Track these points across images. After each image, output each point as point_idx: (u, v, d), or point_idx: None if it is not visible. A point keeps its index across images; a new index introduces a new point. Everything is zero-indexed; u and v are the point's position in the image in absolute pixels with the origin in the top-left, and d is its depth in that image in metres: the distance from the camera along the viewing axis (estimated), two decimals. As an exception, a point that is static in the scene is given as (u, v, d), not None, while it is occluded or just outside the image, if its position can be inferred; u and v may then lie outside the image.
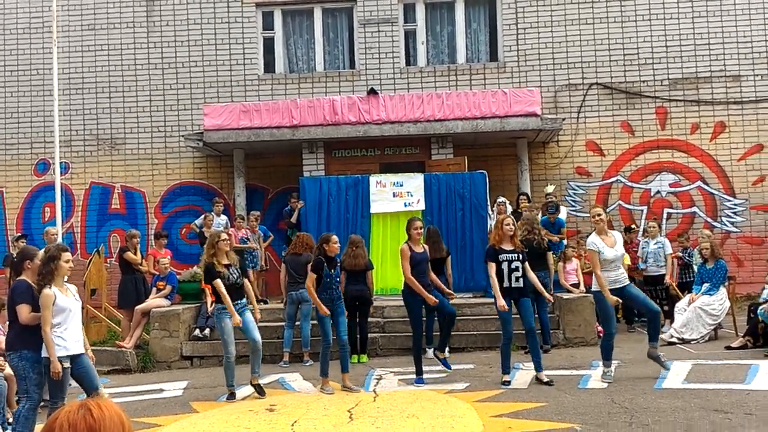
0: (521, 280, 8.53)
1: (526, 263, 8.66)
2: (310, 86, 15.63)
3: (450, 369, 8.91)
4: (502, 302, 8.40)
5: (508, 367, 8.59)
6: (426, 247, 9.04)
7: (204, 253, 9.03)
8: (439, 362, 8.96)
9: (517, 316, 8.72)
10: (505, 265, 8.51)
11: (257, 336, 8.58)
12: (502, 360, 8.60)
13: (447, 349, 9.28)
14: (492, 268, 8.55)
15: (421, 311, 8.79)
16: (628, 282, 8.58)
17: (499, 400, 7.77)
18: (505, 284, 8.50)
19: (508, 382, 8.44)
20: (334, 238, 8.90)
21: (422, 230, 9.00)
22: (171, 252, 13.14)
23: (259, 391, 8.52)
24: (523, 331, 10.79)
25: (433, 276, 9.07)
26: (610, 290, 8.33)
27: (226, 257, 8.64)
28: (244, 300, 8.70)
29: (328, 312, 8.61)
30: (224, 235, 8.90)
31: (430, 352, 10.21)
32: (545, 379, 8.38)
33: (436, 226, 11.25)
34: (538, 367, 8.51)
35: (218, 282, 8.37)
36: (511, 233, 8.63)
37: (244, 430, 7.12)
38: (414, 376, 8.87)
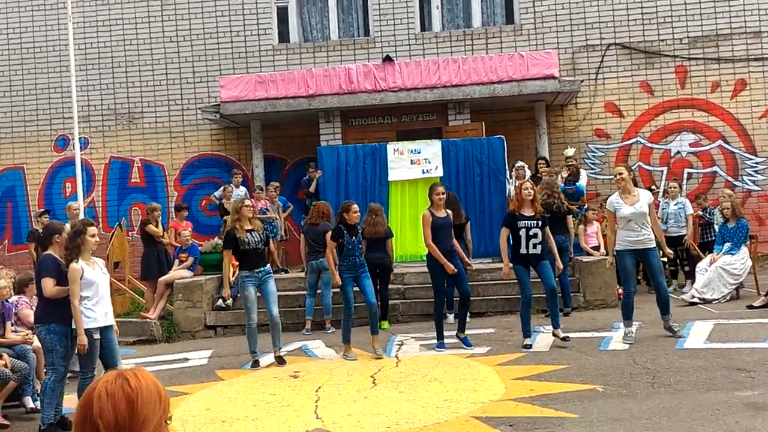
0: (539, 246, 8.45)
1: (547, 228, 8.58)
2: (325, 55, 15.56)
3: (470, 346, 8.68)
4: (506, 269, 8.56)
5: (528, 331, 8.59)
6: (449, 212, 8.97)
7: (228, 219, 9.26)
8: (460, 341, 8.82)
9: (538, 279, 8.73)
10: (522, 232, 8.44)
11: (274, 309, 8.60)
12: (522, 324, 8.62)
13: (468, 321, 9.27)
14: (503, 233, 8.58)
15: (443, 277, 8.75)
16: (652, 247, 8.32)
17: (521, 363, 7.82)
18: (522, 251, 8.46)
19: (530, 346, 8.44)
20: (354, 206, 8.89)
21: (444, 195, 8.92)
22: (191, 224, 13.25)
23: (279, 361, 8.58)
24: (543, 295, 10.87)
25: (455, 243, 9.02)
26: (630, 251, 8.24)
27: (250, 223, 8.69)
28: (267, 267, 8.74)
29: (340, 282, 8.72)
30: (248, 201, 8.97)
31: (450, 317, 10.28)
32: (561, 335, 8.43)
33: (454, 192, 11.22)
34: (556, 325, 8.56)
35: (226, 253, 8.76)
36: (531, 198, 8.53)
37: (269, 396, 7.23)
38: (435, 341, 8.92)
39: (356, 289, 8.89)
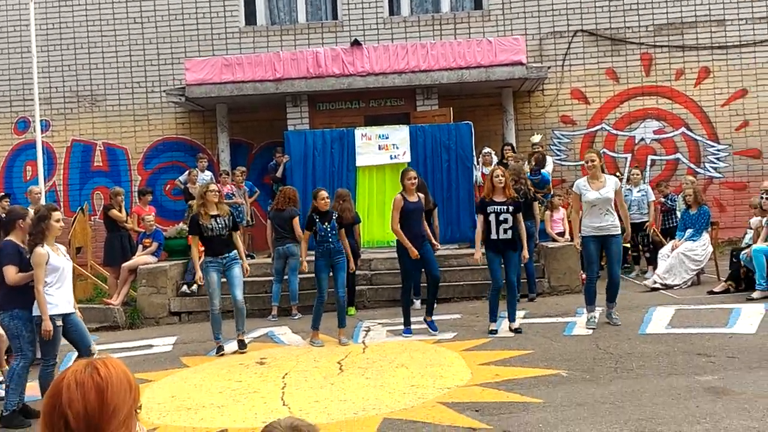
0: (509, 231, 8.46)
1: (519, 215, 8.59)
2: (292, 38, 15.41)
3: (436, 331, 8.75)
4: (477, 255, 8.62)
5: (495, 316, 8.66)
6: (421, 196, 8.99)
7: (193, 204, 9.22)
8: (427, 325, 8.89)
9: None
10: (492, 217, 8.46)
11: (238, 294, 8.54)
12: (489, 309, 8.72)
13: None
14: (480, 219, 8.61)
15: (412, 263, 8.74)
16: (616, 234, 8.35)
17: (487, 349, 7.89)
18: (493, 236, 8.48)
19: (495, 331, 8.52)
20: (323, 193, 8.83)
21: (416, 180, 8.90)
22: (155, 209, 13.10)
23: (240, 345, 8.55)
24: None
25: (426, 227, 9.08)
26: (592, 237, 8.31)
27: (216, 208, 8.59)
28: (233, 253, 8.63)
29: (305, 269, 8.83)
30: (213, 186, 8.87)
31: (417, 303, 10.31)
32: (515, 327, 8.51)
33: (422, 178, 11.21)
34: (512, 318, 8.60)
35: (191, 239, 8.76)
36: (502, 185, 8.53)
37: (235, 383, 7.20)
38: (402, 327, 8.94)
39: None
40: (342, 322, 8.75)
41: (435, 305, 9.24)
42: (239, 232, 12.21)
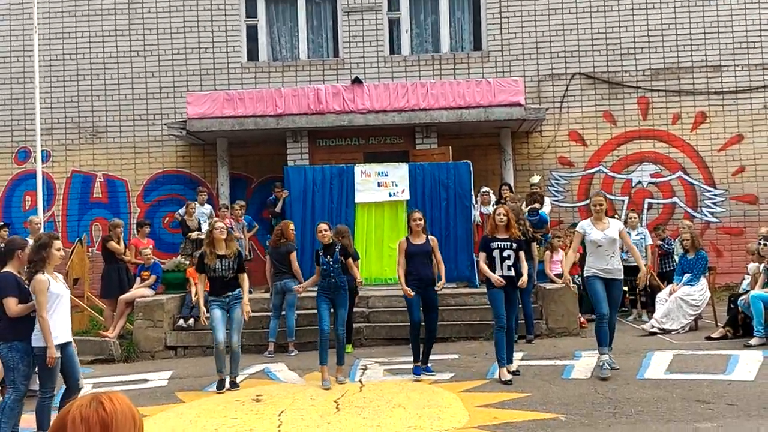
0: (512, 269, 8.39)
1: (522, 253, 8.54)
2: (293, 74, 15.57)
3: (432, 373, 8.64)
4: (496, 277, 8.23)
5: (503, 359, 8.28)
6: (432, 238, 8.87)
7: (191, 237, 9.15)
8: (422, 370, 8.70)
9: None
10: (496, 253, 8.42)
11: (235, 338, 8.46)
12: (497, 350, 8.31)
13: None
14: (481, 257, 8.59)
15: (414, 300, 8.60)
16: (619, 278, 8.36)
17: (484, 391, 7.85)
18: (497, 272, 8.36)
19: (510, 381, 8.07)
20: (321, 226, 8.84)
21: (422, 222, 8.77)
22: (153, 241, 13.09)
23: (233, 385, 8.50)
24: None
25: (435, 269, 8.87)
26: (598, 277, 8.25)
27: (225, 247, 8.53)
28: (237, 291, 8.57)
29: (300, 292, 8.94)
30: (220, 223, 8.78)
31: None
32: (512, 369, 8.40)
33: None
34: (509, 360, 8.43)
35: (198, 276, 8.79)
36: (503, 223, 8.50)
37: (231, 420, 7.14)
38: (405, 365, 8.91)
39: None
40: (340, 359, 8.69)
41: (430, 354, 8.86)
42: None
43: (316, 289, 8.85)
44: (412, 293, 8.51)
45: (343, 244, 8.98)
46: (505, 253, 8.41)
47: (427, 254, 8.71)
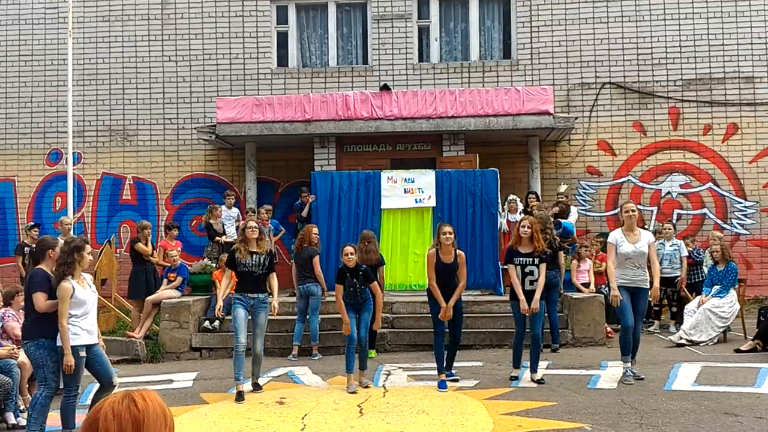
0: (536, 284, 8.40)
1: (543, 266, 8.49)
2: (323, 81, 15.65)
3: (457, 380, 8.62)
4: (524, 306, 8.34)
5: (518, 362, 8.60)
6: (460, 253, 8.50)
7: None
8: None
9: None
10: (519, 269, 8.45)
11: (258, 344, 8.41)
12: (513, 355, 8.68)
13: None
14: (511, 270, 8.54)
15: (438, 310, 8.50)
16: (645, 288, 8.35)
17: (509, 398, 7.80)
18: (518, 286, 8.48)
19: (517, 378, 8.50)
20: (347, 249, 8.71)
21: (452, 236, 8.43)
22: (181, 243, 13.20)
23: (255, 387, 8.48)
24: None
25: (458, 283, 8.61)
26: (624, 287, 8.24)
27: (257, 245, 8.49)
28: (263, 296, 8.48)
29: (348, 325, 8.49)
30: (252, 223, 8.74)
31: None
32: (537, 378, 8.42)
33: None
34: (534, 369, 8.52)
35: (222, 273, 8.63)
36: (527, 235, 8.45)
37: (254, 422, 7.16)
38: (427, 373, 8.89)
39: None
40: (363, 363, 8.64)
41: (454, 361, 8.87)
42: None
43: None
44: (445, 304, 8.40)
45: (366, 270, 8.75)
46: (528, 269, 8.41)
47: (454, 272, 8.53)
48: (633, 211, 8.42)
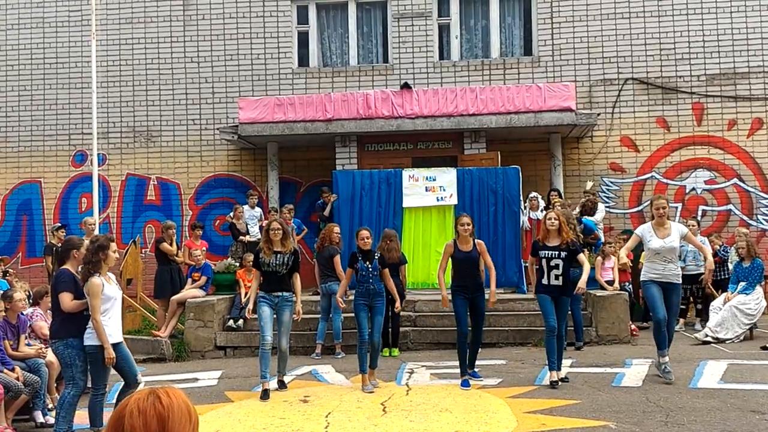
0: (561, 278, 8.21)
1: (580, 255, 8.35)
2: (343, 80, 15.69)
3: (480, 378, 8.52)
4: (492, 298, 8.45)
5: (554, 363, 8.19)
6: (480, 243, 8.47)
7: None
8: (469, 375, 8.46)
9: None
10: (543, 262, 8.27)
11: (284, 342, 8.42)
12: (548, 354, 8.27)
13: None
14: (530, 261, 8.55)
15: (461, 308, 8.38)
16: (677, 282, 8.19)
17: (533, 397, 7.78)
18: (544, 281, 8.28)
19: (556, 383, 8.06)
20: (363, 232, 8.68)
21: (469, 227, 8.37)
22: (207, 243, 13.30)
23: (281, 385, 8.53)
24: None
25: (483, 276, 8.54)
26: (655, 282, 8.09)
27: (281, 245, 8.45)
28: (288, 294, 8.46)
29: (342, 305, 8.78)
30: (276, 224, 8.62)
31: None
32: (561, 376, 8.23)
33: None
34: (558, 367, 8.28)
35: (249, 272, 8.59)
36: (554, 227, 8.30)
37: (278, 420, 7.21)
38: (449, 370, 8.88)
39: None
40: (373, 362, 8.52)
41: (476, 360, 8.72)
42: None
43: (353, 293, 8.77)
44: (449, 302, 8.38)
45: (382, 254, 8.86)
46: (553, 263, 8.21)
47: (474, 262, 8.39)
48: (663, 208, 8.21)
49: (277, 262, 8.38)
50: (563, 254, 8.23)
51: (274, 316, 8.46)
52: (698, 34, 15.07)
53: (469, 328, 8.56)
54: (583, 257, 8.41)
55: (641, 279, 8.40)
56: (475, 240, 8.46)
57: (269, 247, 8.42)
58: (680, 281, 8.24)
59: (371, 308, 8.52)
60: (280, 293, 8.41)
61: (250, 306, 8.49)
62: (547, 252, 8.28)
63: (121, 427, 1.86)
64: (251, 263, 8.89)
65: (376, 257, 8.59)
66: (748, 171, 14.85)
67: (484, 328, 8.87)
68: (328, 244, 11.02)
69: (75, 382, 6.57)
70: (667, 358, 8.13)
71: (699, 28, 15.07)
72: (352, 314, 9.47)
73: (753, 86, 14.91)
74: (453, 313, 8.73)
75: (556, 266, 8.20)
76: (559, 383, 8.06)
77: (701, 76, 15.04)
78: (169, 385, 6.77)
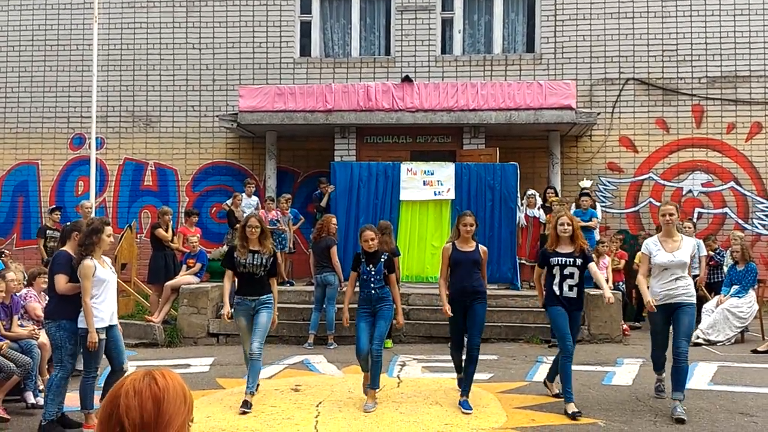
0: (575, 289, 7.14)
1: (592, 265, 7.31)
2: (345, 71, 15.67)
3: (470, 410, 7.02)
4: (542, 301, 7.34)
5: (570, 393, 6.96)
6: (482, 248, 7.39)
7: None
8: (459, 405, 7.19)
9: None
10: (556, 270, 7.15)
11: (255, 344, 7.26)
12: (562, 380, 7.05)
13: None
14: (537, 273, 7.63)
15: (458, 319, 7.32)
16: (688, 303, 6.97)
17: (523, 392, 7.81)
18: (556, 291, 7.19)
19: (578, 413, 6.77)
20: (367, 233, 7.50)
21: (472, 228, 7.30)
22: (201, 230, 13.30)
23: (244, 405, 7.12)
24: (548, 325, 10.83)
25: (483, 280, 7.40)
26: (661, 305, 6.99)
27: (259, 244, 7.53)
28: (266, 296, 7.49)
29: (347, 323, 7.62)
30: (254, 221, 7.63)
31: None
32: (570, 411, 6.82)
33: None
34: (552, 378, 7.53)
35: (227, 272, 7.64)
36: (567, 234, 7.21)
37: (269, 408, 7.23)
38: (443, 373, 8.87)
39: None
40: (374, 382, 7.35)
41: (471, 386, 7.31)
42: (281, 258, 12.22)
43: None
44: (451, 313, 7.25)
45: (389, 256, 7.74)
46: (567, 270, 7.10)
47: (475, 263, 7.26)
48: (671, 214, 7.08)
49: (255, 262, 7.47)
50: (578, 261, 7.16)
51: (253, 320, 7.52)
52: (701, 36, 15.07)
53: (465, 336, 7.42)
54: (594, 266, 7.41)
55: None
56: (480, 247, 7.39)
57: (244, 245, 7.51)
58: (693, 300, 7.08)
59: (374, 314, 7.43)
60: (256, 297, 7.46)
61: (226, 310, 7.61)
62: (560, 259, 7.18)
63: (117, 407, 1.87)
64: (223, 262, 7.83)
65: (383, 260, 7.48)
66: (745, 175, 14.88)
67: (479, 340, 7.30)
68: (325, 235, 11.02)
69: (63, 364, 6.57)
70: (663, 376, 7.40)
71: (702, 30, 15.07)
72: (351, 304, 8.90)
73: (753, 90, 14.93)
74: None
75: (571, 275, 7.12)
76: (581, 412, 6.84)
77: (702, 79, 15.05)
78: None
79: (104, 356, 6.77)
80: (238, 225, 13.09)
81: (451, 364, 7.97)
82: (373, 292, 7.40)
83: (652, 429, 6.38)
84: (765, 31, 14.94)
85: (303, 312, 11.34)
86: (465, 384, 7.25)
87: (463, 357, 7.40)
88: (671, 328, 7.13)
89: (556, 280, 7.15)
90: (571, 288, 7.13)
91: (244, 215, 13.44)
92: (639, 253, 8.03)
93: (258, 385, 7.50)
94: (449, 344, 7.78)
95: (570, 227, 7.21)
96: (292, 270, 14.05)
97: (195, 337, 11.29)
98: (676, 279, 6.99)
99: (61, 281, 6.57)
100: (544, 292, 7.44)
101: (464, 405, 7.10)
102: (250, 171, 15.68)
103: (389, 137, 14.47)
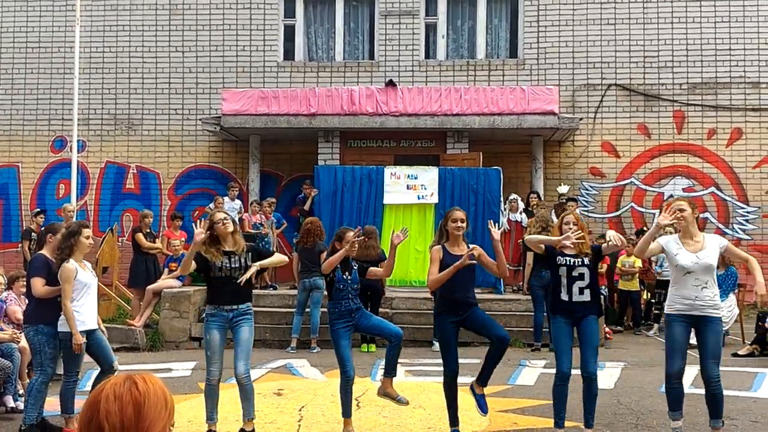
0: (587, 292, 6.18)
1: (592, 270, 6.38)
2: (328, 75, 15.67)
3: (485, 413, 6.48)
4: (465, 257, 6.01)
5: (562, 419, 6.25)
6: (476, 248, 6.13)
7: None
8: (473, 397, 6.49)
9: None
10: (563, 271, 6.20)
11: (241, 367, 6.24)
12: (554, 405, 6.34)
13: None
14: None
15: (450, 335, 6.32)
16: (715, 316, 5.96)
17: (506, 396, 7.83)
18: (563, 296, 6.21)
19: None
20: (349, 234, 6.56)
21: (464, 225, 6.35)
22: (186, 234, 13.23)
23: None
24: (531, 328, 10.81)
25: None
26: (681, 315, 5.99)
27: (232, 242, 6.46)
28: (246, 306, 6.40)
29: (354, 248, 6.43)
30: (220, 215, 6.56)
31: (436, 344, 10.20)
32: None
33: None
34: (588, 424, 6.33)
35: (185, 263, 6.55)
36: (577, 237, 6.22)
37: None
38: (423, 368, 8.86)
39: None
40: (390, 368, 6.59)
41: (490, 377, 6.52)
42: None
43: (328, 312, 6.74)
44: (469, 260, 6.04)
45: (365, 248, 7.17)
46: (576, 272, 6.16)
47: (471, 271, 6.24)
48: (683, 210, 5.96)
49: (233, 265, 6.33)
50: (587, 261, 6.23)
51: (228, 339, 6.45)
52: (682, 43, 15.22)
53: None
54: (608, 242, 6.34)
55: (666, 311, 6.31)
56: (469, 245, 6.31)
57: (218, 247, 6.37)
58: (719, 313, 6.04)
59: (357, 326, 6.56)
60: (235, 306, 6.33)
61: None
62: (567, 259, 6.21)
63: (97, 411, 1.86)
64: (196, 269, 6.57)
65: (355, 267, 6.59)
66: (725, 180, 15.03)
67: (461, 329, 6.43)
68: (317, 240, 10.89)
69: (43, 369, 6.50)
70: (680, 423, 6.13)
71: (683, 37, 15.22)
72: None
73: (734, 96, 15.09)
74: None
75: (581, 276, 6.17)
76: None
77: (683, 85, 15.19)
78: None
79: (90, 359, 6.72)
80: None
81: (435, 368, 7.84)
82: (351, 304, 6.45)
83: (633, 432, 6.41)
84: (745, 38, 15.11)
85: (286, 316, 11.30)
86: (485, 376, 6.38)
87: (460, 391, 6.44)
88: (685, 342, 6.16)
89: (563, 283, 6.18)
90: (582, 291, 6.15)
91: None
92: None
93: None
94: (443, 378, 6.43)
95: (576, 227, 6.27)
96: (275, 274, 13.99)
97: (177, 341, 11.23)
98: (702, 287, 5.91)
99: (38, 284, 6.50)
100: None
101: (480, 400, 6.42)
102: (234, 175, 15.63)
103: (373, 141, 14.49)
